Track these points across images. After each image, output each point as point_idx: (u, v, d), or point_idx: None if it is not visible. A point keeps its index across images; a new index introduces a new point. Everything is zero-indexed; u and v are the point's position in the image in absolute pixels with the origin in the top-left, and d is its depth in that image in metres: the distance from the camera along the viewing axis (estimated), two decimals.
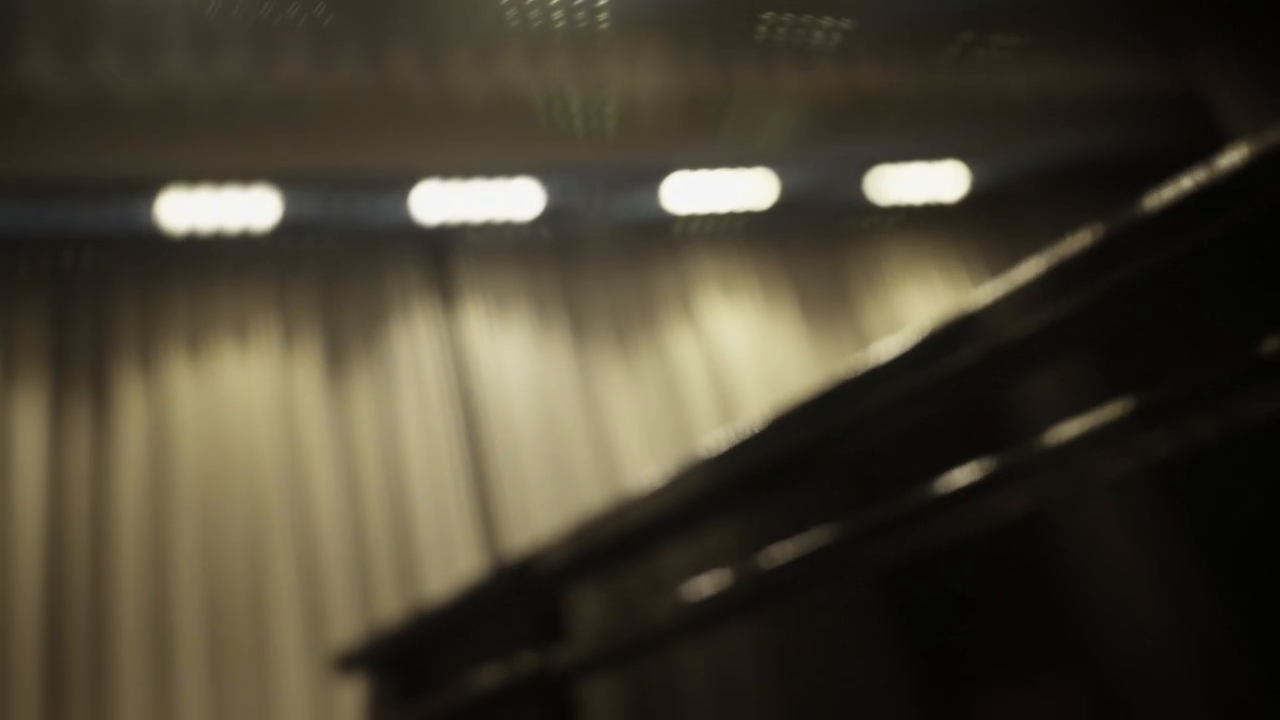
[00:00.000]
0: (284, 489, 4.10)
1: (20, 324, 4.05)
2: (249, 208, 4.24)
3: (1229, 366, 0.66)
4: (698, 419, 4.88)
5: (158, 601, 3.81)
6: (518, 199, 4.69)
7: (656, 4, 4.47)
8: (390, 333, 4.60)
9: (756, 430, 0.96)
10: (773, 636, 0.97)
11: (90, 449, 3.96)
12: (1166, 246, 0.69)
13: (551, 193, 4.75)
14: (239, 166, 4.13)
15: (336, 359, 4.48)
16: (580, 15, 4.38)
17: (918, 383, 0.84)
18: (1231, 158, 0.67)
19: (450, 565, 4.18)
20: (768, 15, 4.71)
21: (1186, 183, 0.68)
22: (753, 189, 5.09)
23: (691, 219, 5.33)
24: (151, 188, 4.08)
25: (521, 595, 1.28)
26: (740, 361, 5.09)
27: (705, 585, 1.02)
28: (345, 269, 4.67)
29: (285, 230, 4.45)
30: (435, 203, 4.55)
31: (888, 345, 0.86)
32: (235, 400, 4.19)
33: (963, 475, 0.80)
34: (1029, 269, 0.77)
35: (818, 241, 5.66)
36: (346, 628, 3.96)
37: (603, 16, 4.43)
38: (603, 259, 5.15)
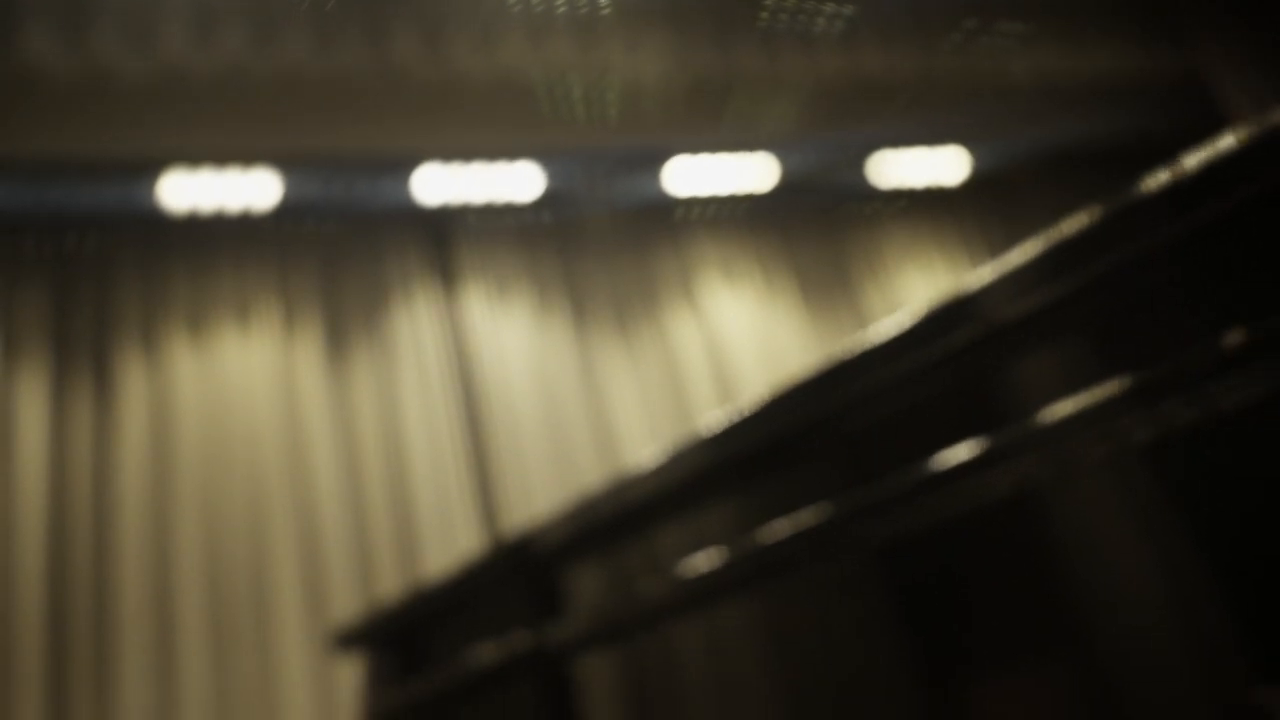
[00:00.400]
0: (285, 470, 4.11)
1: (22, 305, 4.06)
2: (250, 189, 4.24)
3: (1222, 349, 0.66)
4: (697, 402, 4.89)
5: (160, 581, 3.83)
6: (519, 182, 4.68)
7: None
8: (391, 315, 4.60)
9: (753, 410, 0.96)
10: (769, 613, 0.98)
11: (92, 430, 3.97)
12: (1162, 229, 0.70)
13: (552, 176, 4.74)
14: (240, 148, 4.13)
15: (337, 340, 4.49)
16: None
17: (913, 363, 0.84)
18: (1226, 142, 0.67)
19: (451, 547, 4.20)
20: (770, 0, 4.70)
21: (1182, 166, 0.69)
22: (754, 173, 5.08)
23: (693, 203, 5.32)
24: (153, 169, 4.08)
25: (519, 573, 1.29)
26: (740, 345, 5.10)
27: (702, 563, 1.03)
28: (346, 251, 4.67)
29: (286, 212, 4.45)
30: (436, 185, 4.54)
31: (884, 326, 0.86)
32: (236, 381, 4.19)
33: (958, 454, 0.81)
34: (1025, 251, 0.78)
35: (819, 226, 5.65)
36: (347, 608, 3.98)
37: (604, 0, 4.42)
38: (603, 242, 5.14)
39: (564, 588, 1.23)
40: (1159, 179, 0.70)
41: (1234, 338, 0.66)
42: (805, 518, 0.93)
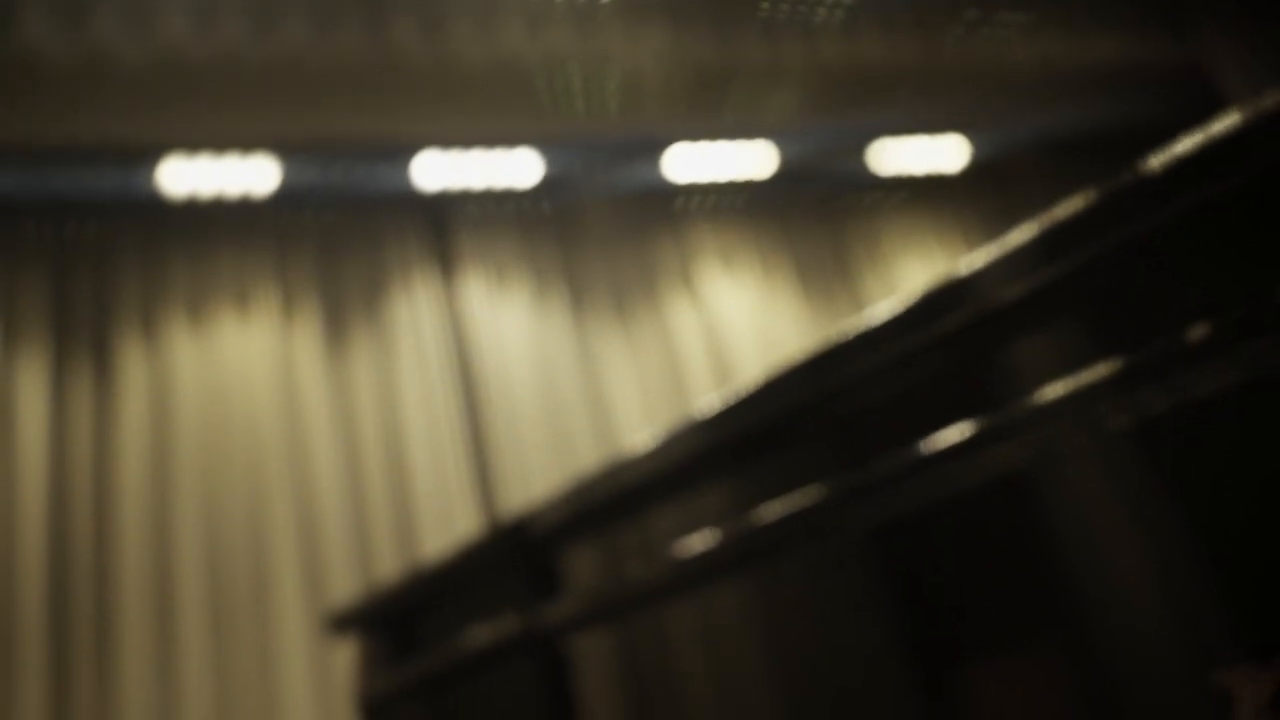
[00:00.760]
0: (284, 455, 4.12)
1: (22, 290, 4.06)
2: (249, 175, 4.24)
3: (1215, 332, 0.67)
4: (696, 390, 4.89)
5: (160, 565, 3.84)
6: (518, 169, 4.68)
7: None
8: (390, 301, 4.60)
9: (748, 393, 0.97)
10: (763, 594, 0.99)
11: (92, 415, 3.98)
12: (1155, 214, 0.70)
13: (551, 163, 4.74)
14: (239, 134, 4.12)
15: (336, 326, 4.49)
16: None
17: (907, 347, 0.85)
18: (1218, 127, 0.67)
19: (449, 532, 4.21)
20: None
21: (1173, 152, 0.69)
22: (753, 161, 5.08)
23: (692, 191, 5.32)
24: (152, 155, 4.07)
25: (516, 555, 1.30)
26: (739, 333, 5.10)
27: (698, 544, 1.04)
28: (345, 237, 4.67)
29: (285, 198, 4.45)
30: (435, 172, 4.54)
31: (878, 310, 0.87)
32: (236, 367, 4.20)
33: (950, 437, 0.82)
34: (1017, 236, 0.78)
35: (818, 214, 5.65)
36: (346, 592, 3.99)
37: None
38: (602, 229, 5.14)
39: (560, 569, 1.24)
40: (1151, 164, 0.71)
41: (1226, 321, 0.66)
42: (799, 499, 0.94)
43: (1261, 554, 0.64)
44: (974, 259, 0.81)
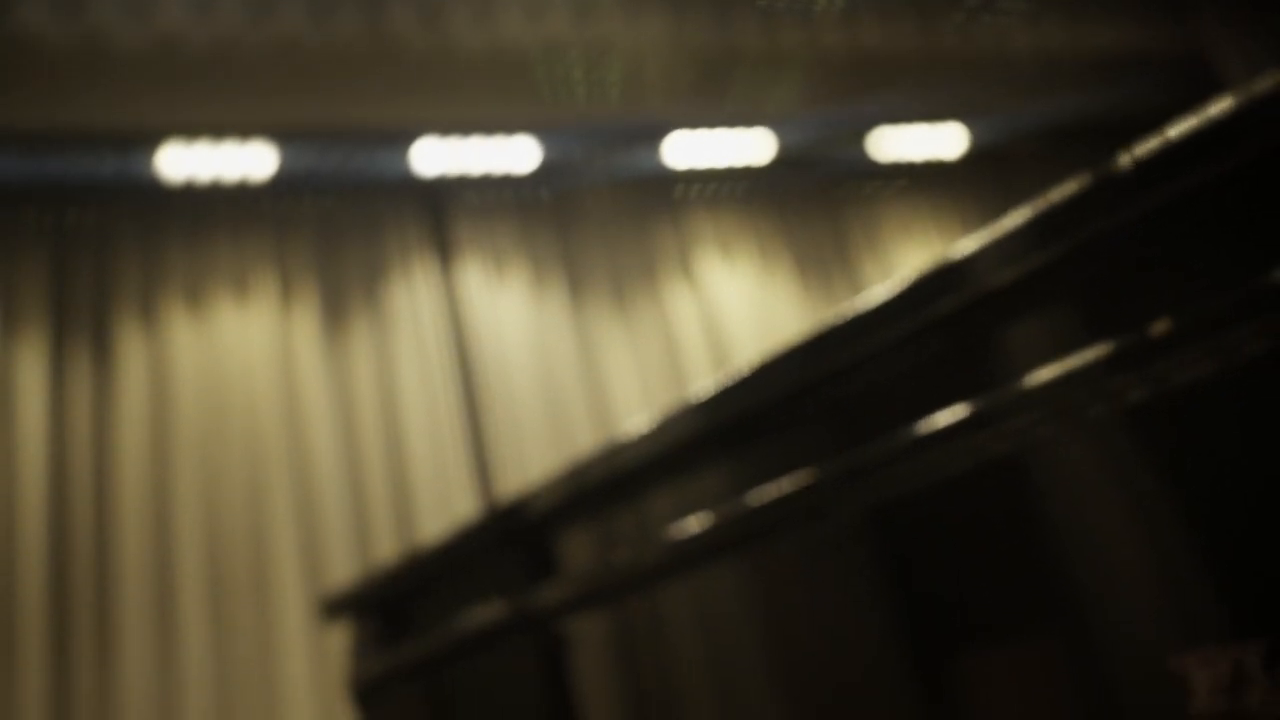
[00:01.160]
0: (283, 440, 4.13)
1: (20, 276, 4.06)
2: (247, 161, 4.24)
3: (1209, 312, 0.67)
4: (694, 378, 4.90)
5: (160, 550, 3.85)
6: (517, 155, 4.68)
7: None
8: (388, 287, 4.60)
9: (744, 375, 0.97)
10: (758, 575, 0.99)
11: (91, 401, 3.99)
12: (1150, 196, 0.71)
13: (550, 149, 4.73)
14: (238, 119, 4.12)
15: (334, 312, 4.49)
16: None
17: (904, 329, 0.85)
18: (1214, 110, 0.68)
19: (448, 517, 4.22)
20: None
21: (1170, 134, 0.70)
22: (753, 148, 5.07)
23: (691, 178, 5.31)
24: (150, 141, 4.07)
25: (510, 537, 1.30)
26: (738, 321, 5.10)
27: (694, 526, 1.04)
28: (343, 223, 4.67)
29: (284, 184, 4.45)
30: (434, 158, 4.54)
31: (874, 292, 0.87)
32: (234, 353, 4.20)
33: (945, 418, 0.82)
34: (1013, 219, 0.78)
35: (817, 201, 5.64)
36: (345, 577, 4.01)
37: None
38: (601, 216, 5.14)
39: (556, 551, 1.25)
40: (1145, 148, 0.71)
41: (1220, 305, 0.67)
42: (795, 481, 0.94)
43: (1259, 540, 0.64)
44: (968, 243, 0.81)
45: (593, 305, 4.93)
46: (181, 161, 4.15)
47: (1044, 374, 0.76)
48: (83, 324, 4.09)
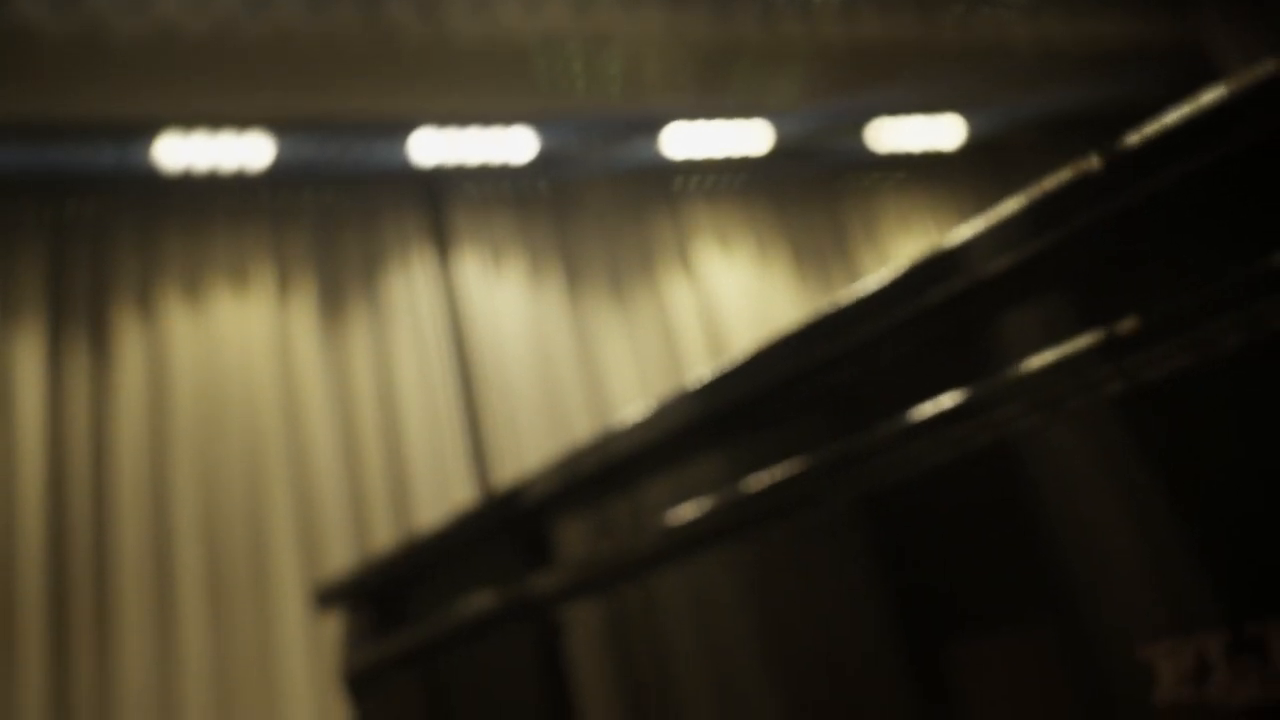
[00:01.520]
0: (281, 430, 4.13)
1: (18, 266, 4.06)
2: (245, 152, 4.23)
3: (1201, 299, 0.67)
4: (691, 368, 4.90)
5: (158, 540, 3.86)
6: (514, 147, 4.68)
7: None
8: (386, 276, 4.60)
9: (739, 363, 0.98)
10: (753, 561, 1.00)
11: (89, 392, 3.99)
12: (1143, 185, 0.71)
13: (548, 140, 4.73)
14: (235, 110, 4.12)
15: (332, 303, 4.49)
16: None
17: (897, 317, 0.85)
18: (1209, 97, 0.68)
19: (445, 507, 4.23)
20: None
21: (1165, 121, 0.70)
22: (751, 139, 5.07)
23: (689, 169, 5.31)
24: (147, 131, 4.07)
25: (505, 526, 1.31)
26: (735, 312, 5.10)
27: (689, 512, 1.05)
28: (341, 213, 4.67)
29: (281, 174, 4.45)
30: (432, 149, 4.54)
31: (870, 280, 0.87)
32: (232, 343, 4.20)
33: (940, 405, 0.83)
34: (1008, 206, 0.79)
35: (815, 192, 5.64)
36: (342, 566, 4.01)
37: None
38: (599, 207, 5.14)
39: (552, 538, 1.25)
40: (1140, 135, 0.71)
41: (1214, 290, 0.67)
42: (789, 469, 0.95)
43: (1254, 525, 0.65)
44: (961, 232, 0.82)
45: (590, 296, 4.93)
46: (179, 152, 4.15)
47: (1037, 362, 0.76)
48: (80, 314, 4.09)
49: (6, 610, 3.57)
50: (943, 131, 5.51)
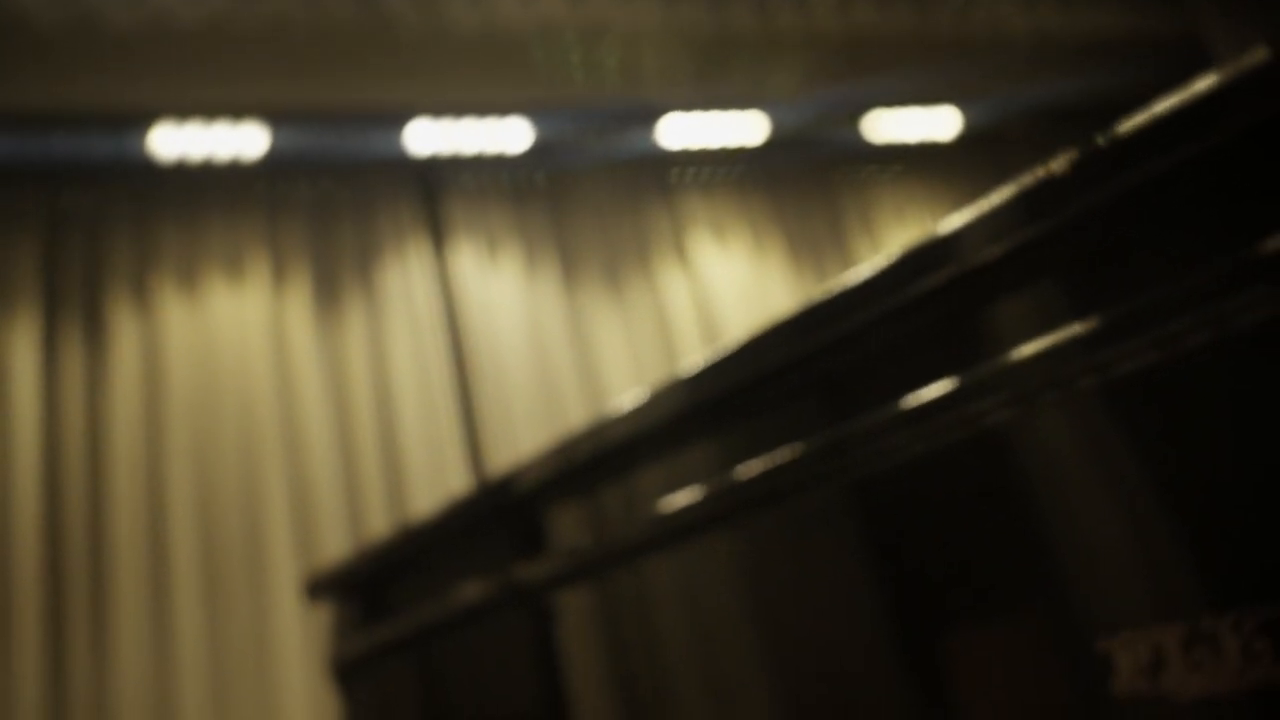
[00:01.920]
0: (276, 419, 4.13)
1: (12, 256, 4.05)
2: (240, 141, 4.23)
3: (1194, 287, 0.67)
4: (687, 360, 4.90)
5: (154, 529, 3.86)
6: (510, 137, 4.67)
7: None
8: (381, 266, 4.60)
9: (732, 351, 0.98)
10: (745, 548, 1.00)
11: (84, 381, 3.98)
12: (1136, 173, 0.71)
13: (544, 130, 4.72)
14: (230, 99, 4.11)
15: (327, 291, 4.49)
16: None
17: (891, 304, 0.86)
18: (1201, 85, 0.68)
19: (440, 496, 4.23)
20: None
21: (1155, 109, 0.70)
22: (747, 131, 5.07)
23: (685, 159, 5.30)
24: (142, 121, 4.05)
25: (498, 514, 1.31)
26: (730, 303, 5.10)
27: (682, 500, 1.05)
28: (336, 203, 4.66)
29: (276, 164, 4.44)
30: (427, 139, 4.53)
31: (862, 268, 0.88)
32: (227, 333, 4.20)
33: (932, 392, 0.83)
34: (1000, 195, 0.79)
35: (811, 183, 5.64)
36: (337, 554, 4.01)
37: None
38: (595, 198, 5.13)
39: (545, 526, 1.25)
40: (1131, 124, 0.71)
41: (1204, 276, 0.67)
42: (782, 456, 0.95)
43: (1242, 511, 0.65)
44: (955, 219, 0.82)
45: (586, 286, 4.92)
46: (174, 142, 4.14)
47: (1031, 348, 0.77)
48: (75, 304, 4.09)
49: (2, 598, 3.57)
50: (939, 122, 5.51)
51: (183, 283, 4.25)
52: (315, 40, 4.14)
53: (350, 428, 4.30)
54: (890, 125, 5.41)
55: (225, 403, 4.09)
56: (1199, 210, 0.68)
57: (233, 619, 3.82)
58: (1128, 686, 0.68)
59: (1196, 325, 0.67)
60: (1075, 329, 0.73)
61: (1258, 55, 0.66)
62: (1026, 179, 0.77)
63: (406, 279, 4.60)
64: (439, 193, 4.85)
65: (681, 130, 4.95)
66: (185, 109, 4.05)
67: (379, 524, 4.15)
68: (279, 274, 4.42)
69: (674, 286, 5.08)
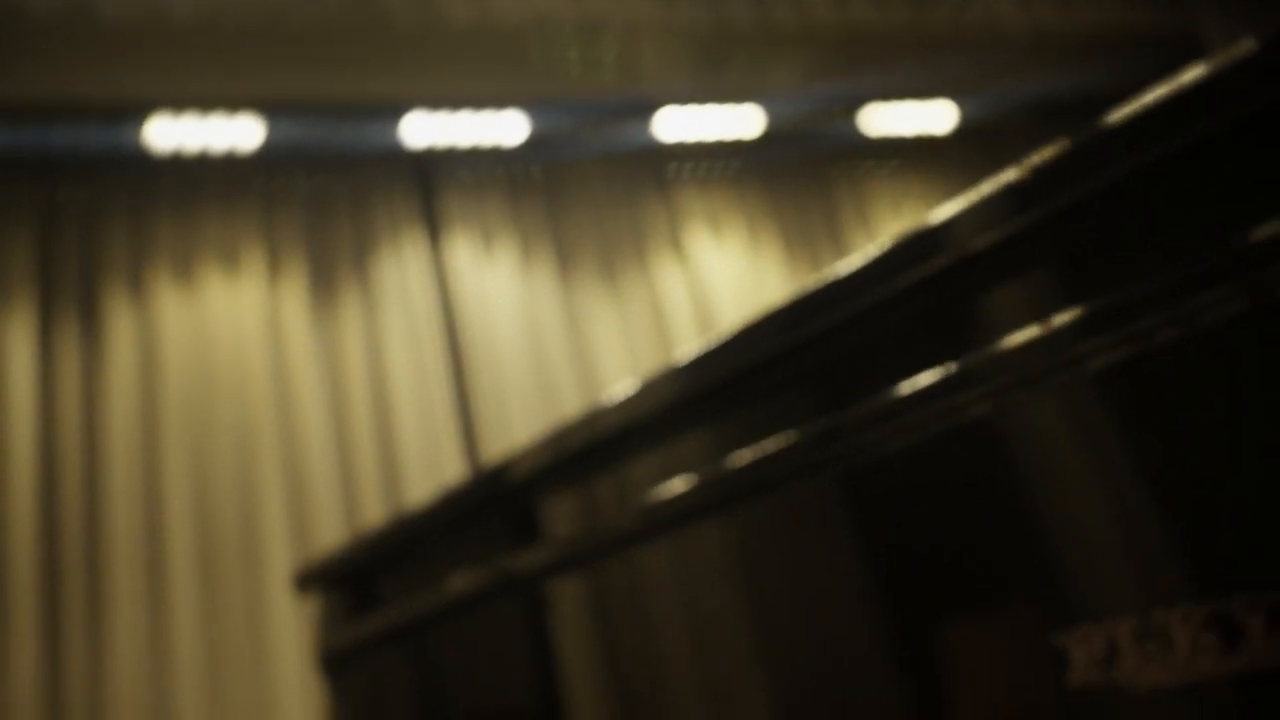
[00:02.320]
0: (272, 411, 4.13)
1: (8, 249, 4.04)
2: (236, 134, 4.22)
3: (1187, 277, 0.68)
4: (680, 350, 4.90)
5: (150, 520, 3.86)
6: (506, 130, 4.67)
7: None
8: (377, 259, 4.60)
9: (725, 340, 0.99)
10: (739, 537, 1.00)
11: (80, 374, 3.98)
12: (1128, 161, 0.71)
13: (540, 123, 4.72)
14: (226, 91, 4.10)
15: (323, 284, 4.49)
16: None
17: (884, 293, 0.86)
18: (1191, 75, 0.68)
19: (435, 488, 4.23)
20: None
21: (1146, 100, 0.70)
22: (743, 125, 5.07)
23: (681, 153, 5.30)
24: (137, 113, 4.05)
25: (492, 503, 1.31)
26: (726, 297, 5.10)
27: (676, 488, 1.05)
28: (332, 196, 4.66)
29: (272, 157, 4.43)
30: (423, 131, 4.53)
31: (855, 257, 0.88)
32: (223, 325, 4.20)
33: (925, 380, 0.83)
34: (991, 184, 0.79)
35: (807, 177, 5.64)
36: (332, 545, 4.02)
37: None
38: (590, 191, 5.13)
39: (540, 515, 1.26)
40: (1123, 112, 0.71)
41: (1194, 265, 0.68)
42: (775, 444, 0.96)
43: (1236, 499, 0.66)
44: (946, 208, 0.82)
45: (581, 280, 4.93)
46: (169, 134, 4.13)
47: (1023, 336, 0.77)
48: (71, 296, 4.08)
49: (1, 588, 3.57)
50: (935, 116, 5.51)
51: (178, 275, 4.25)
52: (311, 33, 4.13)
53: (346, 419, 4.30)
54: (886, 119, 5.41)
55: (221, 395, 4.09)
56: (1189, 200, 0.69)
57: (228, 610, 3.83)
58: (1083, 678, 0.71)
59: (1184, 315, 0.67)
60: (1065, 318, 0.74)
61: (1245, 47, 0.66)
62: (1014, 170, 0.78)
63: (402, 271, 4.60)
64: (435, 185, 4.85)
65: (677, 124, 4.95)
66: (181, 101, 4.05)
67: (375, 515, 4.15)
68: (274, 266, 4.42)
69: (670, 279, 5.09)
